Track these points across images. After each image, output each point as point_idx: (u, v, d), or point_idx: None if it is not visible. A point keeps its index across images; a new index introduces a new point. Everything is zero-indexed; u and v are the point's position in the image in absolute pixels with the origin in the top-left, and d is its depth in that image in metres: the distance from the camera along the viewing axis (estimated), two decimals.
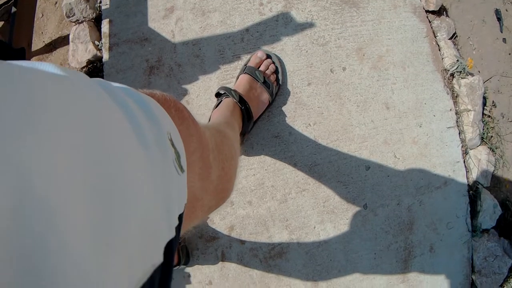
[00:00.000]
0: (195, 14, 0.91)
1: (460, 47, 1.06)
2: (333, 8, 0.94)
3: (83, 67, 0.93)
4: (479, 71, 1.08)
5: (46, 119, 0.15)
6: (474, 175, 0.97)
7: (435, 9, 0.99)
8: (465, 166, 0.97)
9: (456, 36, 1.06)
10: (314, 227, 0.88)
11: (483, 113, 1.01)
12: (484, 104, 1.03)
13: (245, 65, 0.86)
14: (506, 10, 1.15)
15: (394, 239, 0.91)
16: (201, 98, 0.88)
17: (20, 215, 0.12)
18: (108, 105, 0.20)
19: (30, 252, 0.12)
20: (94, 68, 0.93)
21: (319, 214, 0.88)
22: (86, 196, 0.15)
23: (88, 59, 0.92)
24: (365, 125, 0.91)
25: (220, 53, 0.89)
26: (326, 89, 0.90)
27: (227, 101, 0.75)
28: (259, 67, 0.85)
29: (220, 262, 0.86)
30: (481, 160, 0.97)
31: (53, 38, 1.01)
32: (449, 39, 1.01)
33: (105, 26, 0.92)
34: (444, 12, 1.04)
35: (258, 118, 0.85)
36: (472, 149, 0.99)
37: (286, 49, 0.90)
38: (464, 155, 0.97)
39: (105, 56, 0.91)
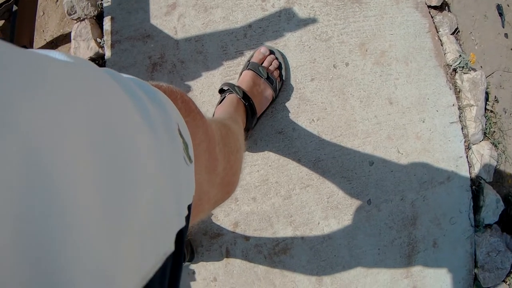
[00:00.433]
0: (197, 11, 0.91)
1: (462, 42, 1.06)
2: (335, 3, 0.94)
3: None
4: (481, 66, 1.08)
5: (57, 96, 0.14)
6: (476, 170, 0.97)
7: (437, 4, 0.99)
8: (468, 161, 0.97)
9: (458, 31, 1.06)
10: (318, 223, 0.88)
11: (485, 108, 1.01)
12: (487, 99, 1.03)
13: (248, 61, 0.85)
14: (508, 5, 1.15)
15: (398, 234, 0.91)
16: (205, 94, 0.88)
17: (31, 202, 0.11)
18: (117, 91, 0.20)
19: (42, 241, 0.12)
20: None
21: (323, 210, 0.88)
22: (96, 179, 0.15)
23: (90, 57, 0.92)
24: (369, 121, 0.91)
25: (223, 49, 0.89)
26: (329, 84, 0.90)
27: (231, 97, 0.75)
28: (262, 63, 0.84)
29: (225, 259, 0.86)
30: (483, 155, 0.97)
31: (54, 36, 1.00)
32: (451, 34, 1.01)
33: (106, 23, 0.91)
34: (446, 7, 1.04)
35: (262, 114, 0.85)
36: (475, 144, 0.99)
37: (289, 44, 0.90)
38: (466, 150, 0.97)
39: (107, 53, 0.90)
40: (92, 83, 0.18)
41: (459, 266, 0.95)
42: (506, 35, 1.13)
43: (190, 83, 0.88)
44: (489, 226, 1.00)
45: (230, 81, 0.85)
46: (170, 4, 0.91)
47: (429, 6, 1.00)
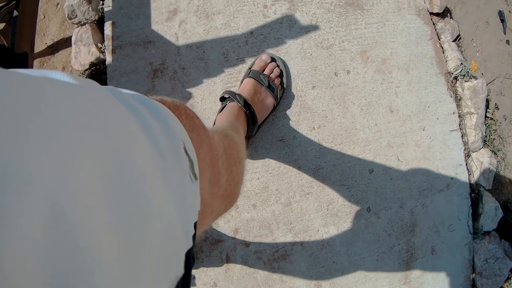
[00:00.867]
0: (198, 17, 0.90)
1: (463, 49, 1.06)
2: (337, 10, 0.93)
3: (86, 70, 0.93)
4: (482, 73, 1.08)
5: (67, 134, 0.14)
6: (476, 178, 0.97)
7: (439, 11, 0.98)
8: (468, 169, 0.97)
9: (460, 38, 1.06)
10: (318, 230, 0.89)
11: (485, 116, 1.01)
12: (487, 106, 1.03)
13: (250, 68, 0.85)
14: (510, 12, 1.15)
15: (397, 241, 0.92)
16: (206, 101, 0.88)
17: (53, 238, 0.12)
18: (123, 115, 0.20)
19: (65, 275, 0.12)
20: (97, 71, 0.93)
21: (323, 217, 0.89)
22: (109, 210, 0.15)
23: (91, 62, 0.92)
24: (369, 129, 0.91)
25: (224, 56, 0.89)
26: (330, 92, 0.90)
27: (232, 105, 0.75)
28: (263, 70, 0.84)
29: (225, 265, 0.87)
30: (483, 162, 0.97)
31: (55, 40, 1.00)
32: (453, 41, 1.01)
33: (107, 28, 0.91)
34: (448, 14, 1.04)
35: (263, 122, 0.85)
36: (475, 151, 0.99)
37: (291, 52, 0.90)
38: (466, 158, 0.98)
39: (108, 58, 0.90)
40: (98, 112, 0.18)
41: (457, 273, 0.96)
42: (507, 42, 1.13)
43: (191, 90, 0.88)
44: (487, 233, 1.00)
45: (231, 89, 0.85)
46: (171, 10, 0.91)
47: (431, 13, 1.00)
